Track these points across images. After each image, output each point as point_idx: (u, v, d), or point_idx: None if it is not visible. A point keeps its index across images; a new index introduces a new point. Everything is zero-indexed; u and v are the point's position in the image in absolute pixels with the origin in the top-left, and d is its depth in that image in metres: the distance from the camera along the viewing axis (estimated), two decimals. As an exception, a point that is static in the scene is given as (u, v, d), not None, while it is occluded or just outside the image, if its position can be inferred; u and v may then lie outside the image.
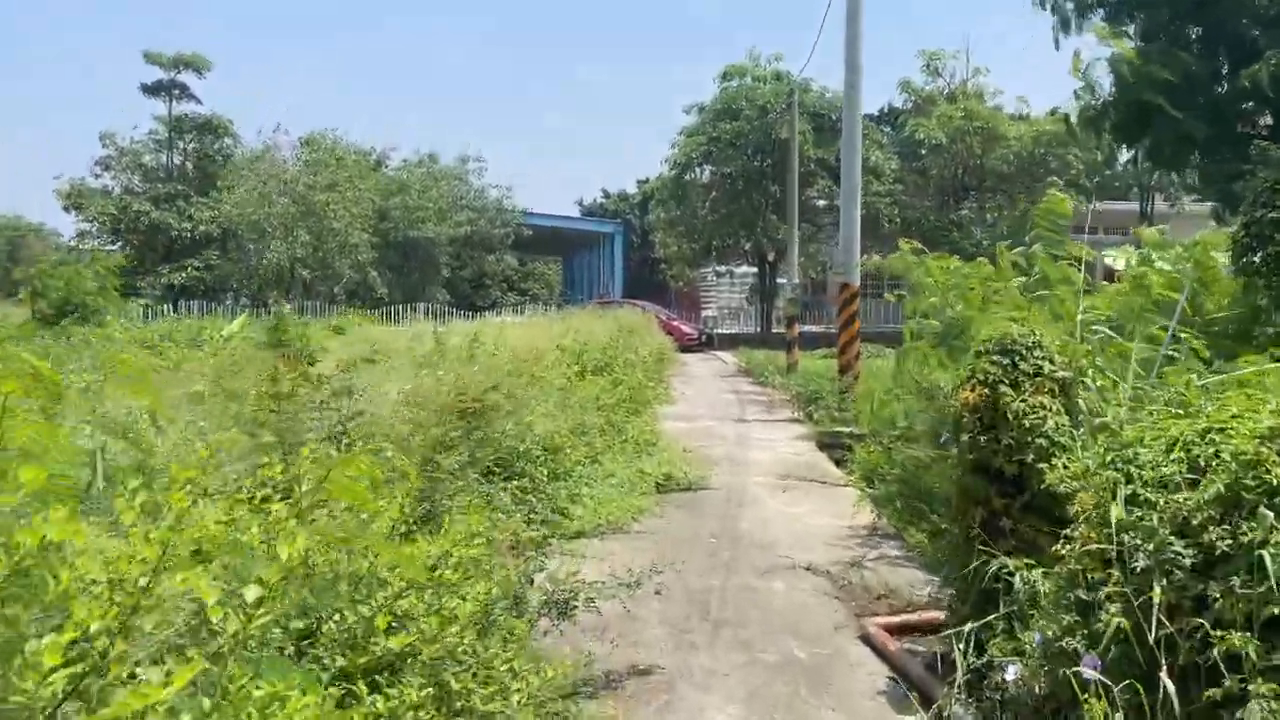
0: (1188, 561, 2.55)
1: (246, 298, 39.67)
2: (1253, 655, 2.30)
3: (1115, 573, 2.74)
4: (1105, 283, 8.61)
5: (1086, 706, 2.52)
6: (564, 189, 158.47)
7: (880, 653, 4.46)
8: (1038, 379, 3.80)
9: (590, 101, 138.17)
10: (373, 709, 2.06)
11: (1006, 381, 3.79)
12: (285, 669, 1.86)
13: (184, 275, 36.58)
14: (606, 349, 14.36)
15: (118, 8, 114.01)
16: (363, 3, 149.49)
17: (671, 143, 34.93)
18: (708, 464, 9.53)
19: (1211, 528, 2.52)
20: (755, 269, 36.19)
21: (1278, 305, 5.72)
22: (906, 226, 32.49)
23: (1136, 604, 2.58)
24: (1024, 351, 3.85)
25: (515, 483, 6.42)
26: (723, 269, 37.85)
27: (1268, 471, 2.48)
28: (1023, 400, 3.74)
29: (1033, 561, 3.47)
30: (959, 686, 3.37)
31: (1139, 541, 2.66)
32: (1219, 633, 2.37)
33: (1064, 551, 2.97)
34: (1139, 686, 2.51)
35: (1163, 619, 2.54)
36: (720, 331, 36.15)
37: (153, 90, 38.69)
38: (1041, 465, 3.64)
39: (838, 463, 10.47)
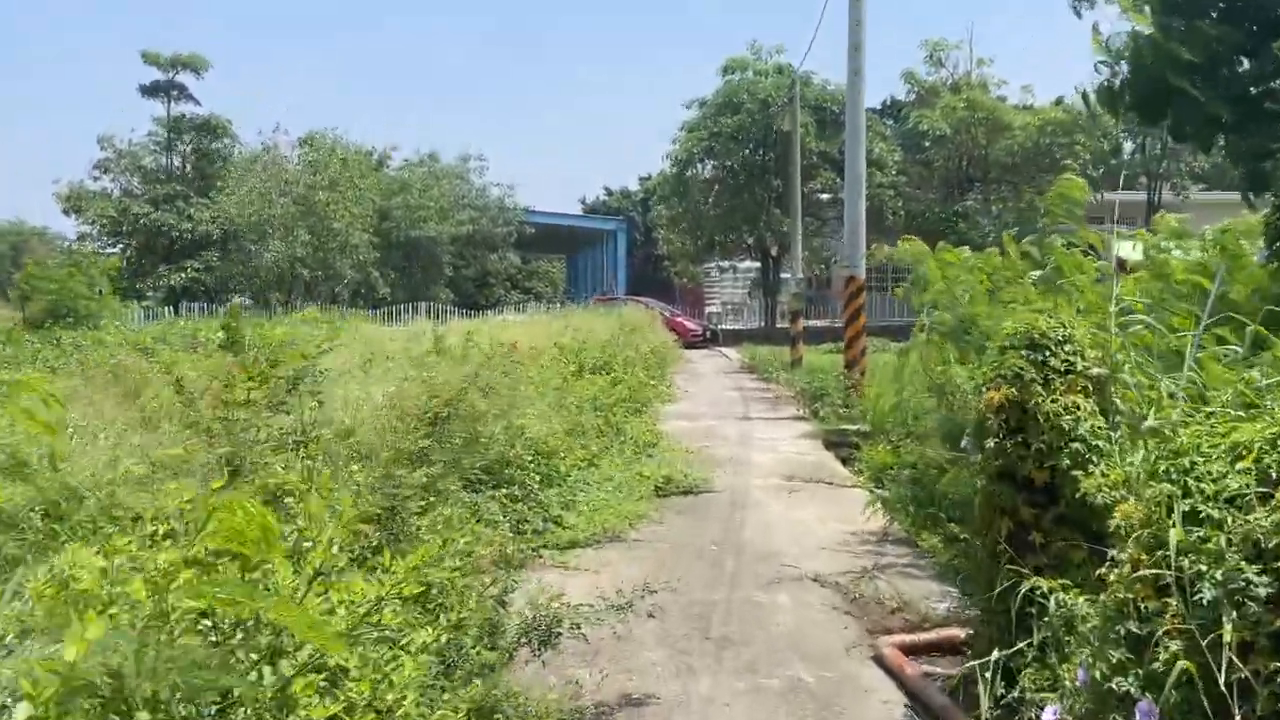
0: (1263, 592, 2.17)
1: (249, 298, 39.46)
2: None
3: (1174, 603, 2.36)
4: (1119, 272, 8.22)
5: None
6: (566, 187, 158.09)
7: (895, 676, 4.09)
8: (1069, 376, 3.42)
9: (592, 98, 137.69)
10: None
11: (1036, 379, 3.40)
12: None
13: (183, 276, 36.33)
14: (606, 347, 14.00)
15: (115, 8, 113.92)
16: (362, 2, 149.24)
17: (673, 138, 34.58)
18: (710, 465, 9.16)
19: (1291, 552, 2.14)
20: (758, 264, 35.78)
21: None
22: (911, 219, 32.09)
23: (1203, 642, 2.20)
24: (1054, 346, 3.46)
25: (504, 491, 6.07)
26: (726, 264, 37.44)
27: (1358, 485, 2.10)
28: (1054, 400, 3.36)
29: (1069, 582, 3.09)
30: (987, 724, 3.00)
31: (1203, 568, 2.28)
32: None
33: (1111, 576, 2.59)
34: (1207, 739, 2.14)
35: (1234, 659, 2.16)
36: (724, 327, 35.77)
37: (151, 91, 38.41)
38: (1076, 473, 3.26)
39: (844, 461, 10.10)
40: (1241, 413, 2.79)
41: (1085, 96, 6.67)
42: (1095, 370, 3.45)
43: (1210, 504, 2.40)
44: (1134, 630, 2.44)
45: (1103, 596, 2.63)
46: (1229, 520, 2.31)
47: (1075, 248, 7.07)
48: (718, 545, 6.33)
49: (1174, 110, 6.27)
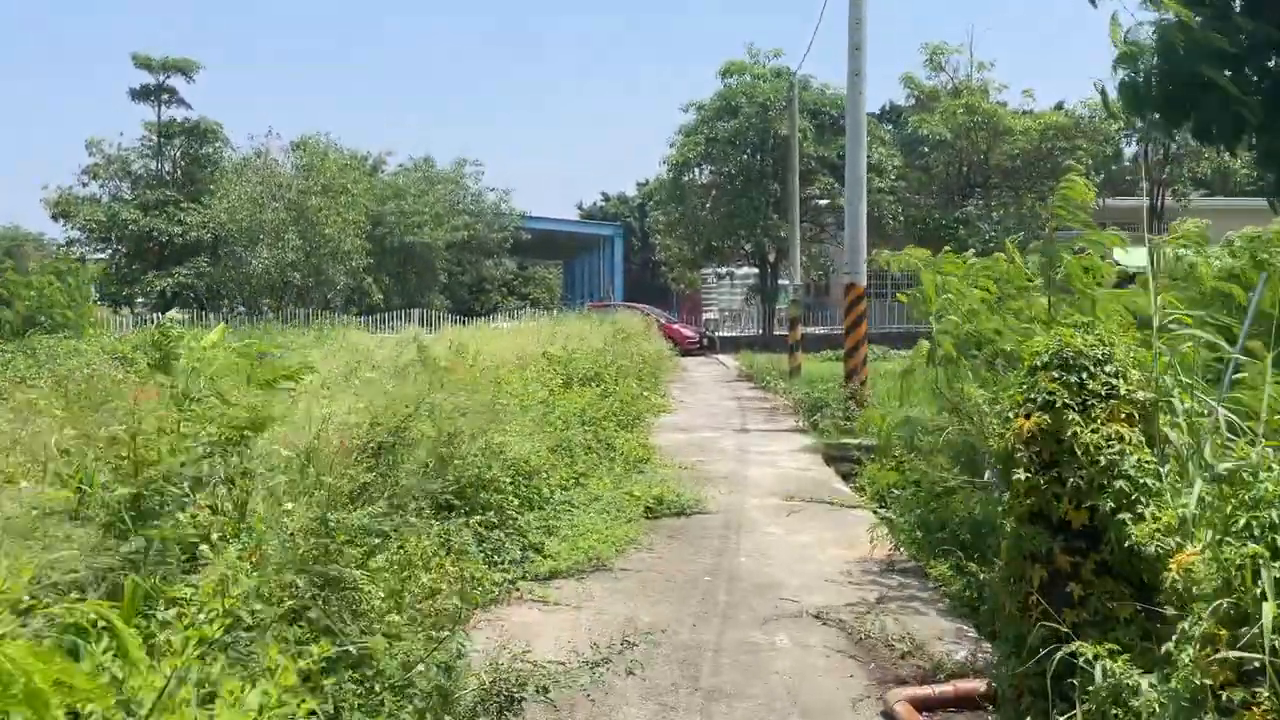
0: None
1: (241, 305, 38.97)
2: None
3: (1265, 694, 1.91)
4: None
5: None
6: (563, 192, 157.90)
7: (909, 737, 3.63)
8: (1111, 402, 2.96)
9: (589, 103, 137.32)
10: None
11: (1072, 405, 2.95)
12: None
13: (172, 282, 35.86)
14: (598, 356, 13.54)
15: (106, 9, 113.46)
16: (357, 6, 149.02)
17: (670, 142, 34.17)
18: (705, 482, 8.70)
19: None
20: (756, 270, 35.36)
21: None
22: (910, 225, 31.69)
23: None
24: (1092, 367, 3.01)
25: (479, 517, 5.60)
26: (723, 271, 37.02)
27: None
28: (1094, 430, 2.90)
29: (1116, 646, 2.63)
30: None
31: (1309, 655, 1.83)
32: None
33: (1181, 655, 2.13)
34: None
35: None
36: (721, 334, 35.35)
37: (141, 95, 37.95)
38: (1122, 516, 2.81)
39: (845, 477, 9.64)
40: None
41: (1104, 94, 6.22)
42: (1141, 395, 3.00)
43: (1311, 572, 1.94)
44: (1215, 726, 1.98)
45: (1173, 680, 2.16)
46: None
47: (1084, 252, 6.65)
48: (711, 575, 5.86)
49: (1201, 108, 5.83)
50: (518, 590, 5.36)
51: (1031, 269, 7.26)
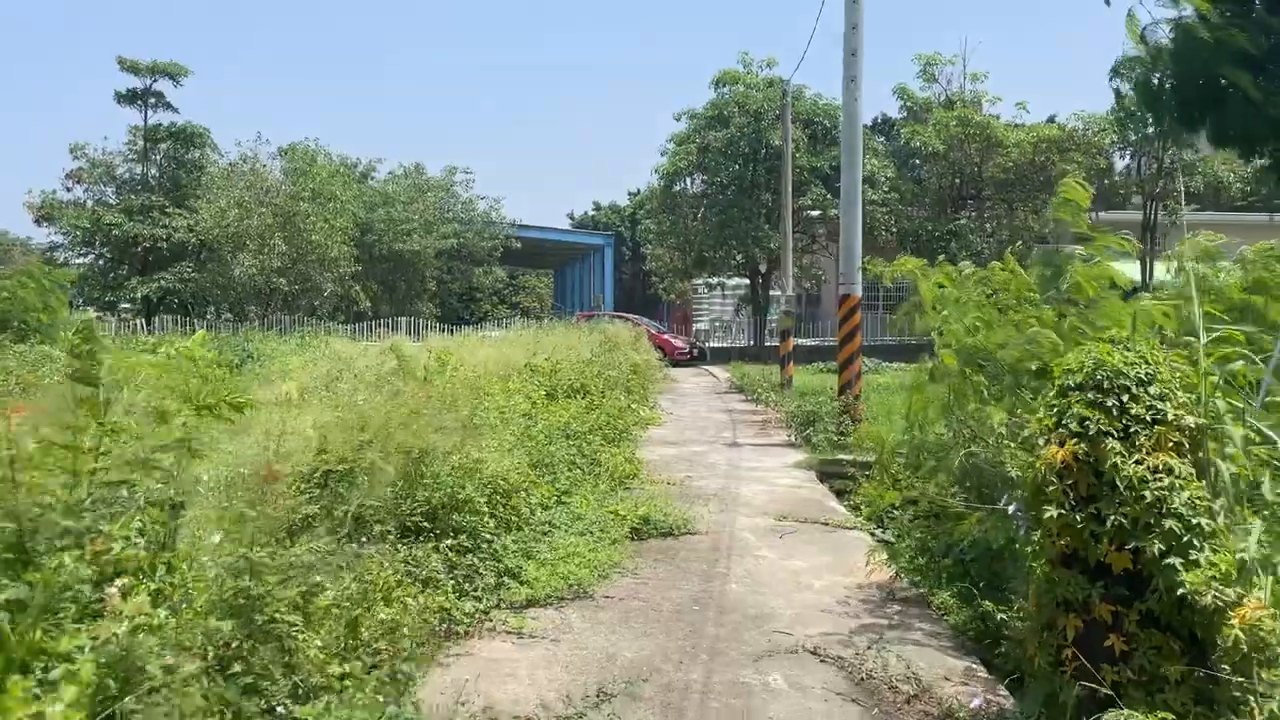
0: None
1: (227, 311, 38.46)
2: None
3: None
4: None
5: None
6: (555, 201, 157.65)
7: (919, 798, 3.24)
8: (1157, 428, 2.59)
9: (582, 112, 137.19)
10: None
11: (1112, 432, 2.58)
12: None
13: (156, 288, 35.36)
14: (585, 367, 13.15)
15: (95, 10, 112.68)
16: (349, 14, 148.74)
17: (661, 151, 33.90)
18: (694, 500, 8.32)
19: None
20: (747, 281, 35.07)
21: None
22: (903, 237, 31.42)
23: None
24: (1134, 388, 2.64)
25: (451, 540, 5.20)
26: (714, 281, 36.72)
27: None
28: (1138, 461, 2.53)
29: (1170, 716, 2.26)
30: None
31: None
32: None
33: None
34: None
35: None
36: (712, 345, 35.07)
37: (128, 98, 37.49)
38: (1172, 560, 2.44)
39: (839, 494, 9.28)
40: None
41: (1119, 95, 5.90)
42: (1190, 420, 2.63)
43: None
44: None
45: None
46: None
47: (1094, 261, 6.34)
48: (700, 604, 5.47)
49: (1219, 112, 5.51)
50: (490, 621, 4.96)
51: (1034, 277, 6.93)
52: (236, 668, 2.43)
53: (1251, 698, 1.95)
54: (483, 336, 23.77)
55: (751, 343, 34.35)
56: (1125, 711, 2.30)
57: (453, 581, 4.95)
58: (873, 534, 7.28)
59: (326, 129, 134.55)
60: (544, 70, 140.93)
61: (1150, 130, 30.89)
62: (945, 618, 5.27)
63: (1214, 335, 3.21)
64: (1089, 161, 32.95)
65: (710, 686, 4.25)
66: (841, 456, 10.25)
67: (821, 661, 4.59)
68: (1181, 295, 5.52)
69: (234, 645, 2.46)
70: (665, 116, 52.43)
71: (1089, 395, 2.68)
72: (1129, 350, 2.77)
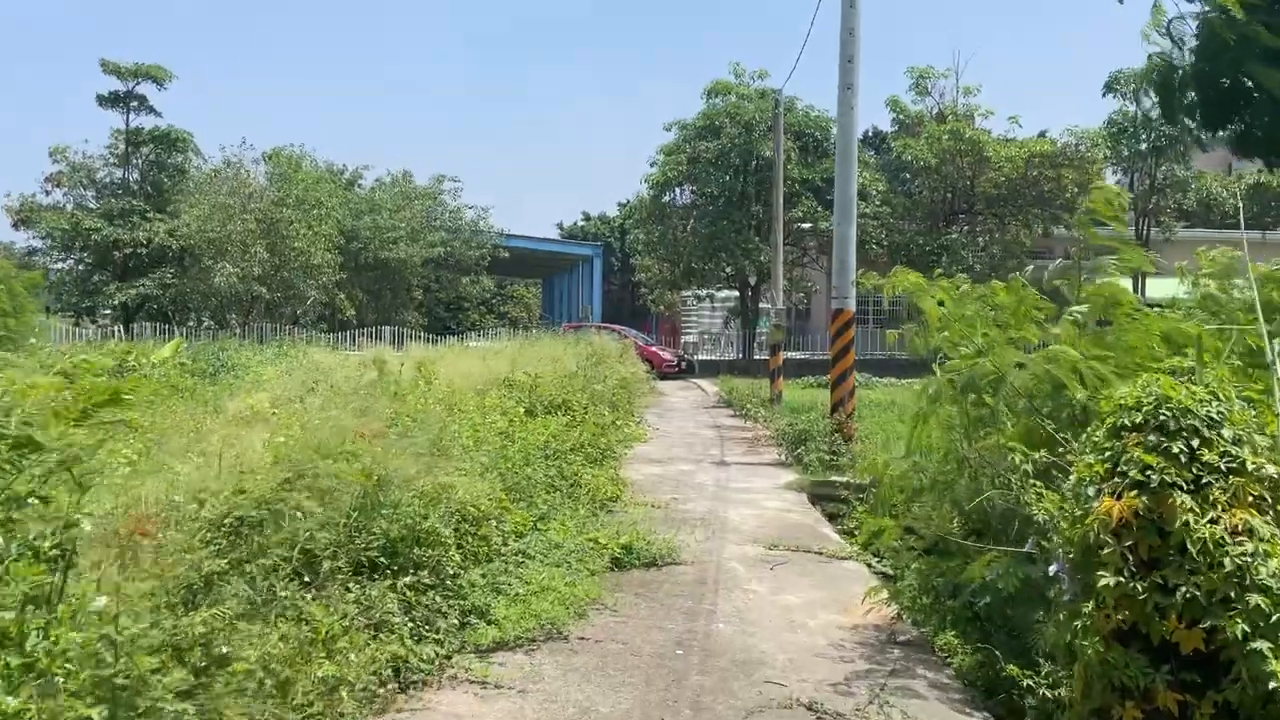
0: None
1: (208, 319, 37.78)
2: None
3: None
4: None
5: None
6: (544, 211, 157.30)
7: None
8: (1234, 480, 2.15)
9: (572, 122, 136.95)
10: None
11: (1180, 484, 2.14)
12: None
13: (134, 294, 34.69)
14: (568, 382, 12.68)
15: (79, 12, 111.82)
16: (339, 22, 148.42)
17: (651, 161, 33.57)
18: (680, 524, 7.85)
19: None
20: (737, 293, 34.71)
21: None
22: (895, 251, 31.13)
23: None
24: (1205, 430, 2.20)
25: (411, 577, 4.71)
26: (703, 293, 36.36)
27: None
28: (1213, 519, 2.09)
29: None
30: None
31: None
32: None
33: None
34: None
35: None
36: (701, 358, 34.63)
37: (110, 101, 36.83)
38: (1258, 644, 2.00)
39: (832, 518, 8.84)
40: None
41: (1135, 93, 5.51)
42: (1271, 470, 2.19)
43: None
44: None
45: None
46: None
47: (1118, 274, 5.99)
48: (684, 648, 4.99)
49: (1247, 112, 5.12)
50: (452, 668, 4.48)
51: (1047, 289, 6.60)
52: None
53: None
54: (466, 347, 23.28)
55: (740, 356, 33.96)
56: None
57: (410, 624, 4.46)
58: (869, 565, 6.84)
59: (314, 135, 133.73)
60: (534, 80, 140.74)
61: (1143, 146, 30.75)
62: (950, 662, 4.83)
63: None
64: (1080, 177, 32.79)
65: (694, 751, 3.78)
66: (834, 478, 9.81)
67: (819, 718, 4.13)
68: (1219, 313, 5.12)
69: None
70: (656, 127, 52.14)
71: (1150, 438, 2.24)
72: (1194, 384, 2.34)
